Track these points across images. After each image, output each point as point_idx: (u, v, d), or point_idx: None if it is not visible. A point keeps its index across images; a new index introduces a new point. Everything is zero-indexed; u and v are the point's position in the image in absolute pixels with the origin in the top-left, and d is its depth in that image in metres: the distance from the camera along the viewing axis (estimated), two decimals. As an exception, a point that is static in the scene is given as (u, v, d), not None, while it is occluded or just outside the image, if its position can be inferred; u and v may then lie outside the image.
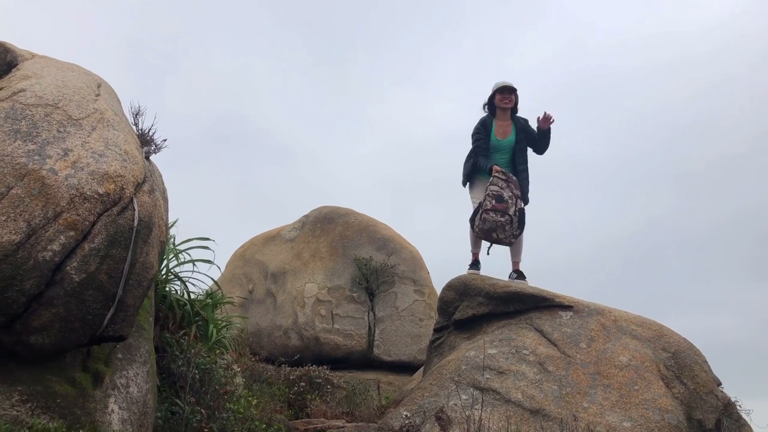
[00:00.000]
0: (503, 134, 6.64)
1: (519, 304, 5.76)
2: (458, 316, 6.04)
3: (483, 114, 6.82)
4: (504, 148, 6.61)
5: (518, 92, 6.72)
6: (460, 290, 6.17)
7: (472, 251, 6.57)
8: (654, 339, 5.32)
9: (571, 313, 5.58)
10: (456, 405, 4.83)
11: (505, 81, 6.71)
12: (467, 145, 6.78)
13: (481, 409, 4.49)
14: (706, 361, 5.21)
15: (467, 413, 4.59)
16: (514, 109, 6.73)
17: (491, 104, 6.74)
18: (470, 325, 5.97)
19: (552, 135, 6.59)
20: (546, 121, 6.50)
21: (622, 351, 5.17)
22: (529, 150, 6.72)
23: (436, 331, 6.43)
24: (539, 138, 6.61)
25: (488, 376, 5.01)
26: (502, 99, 6.63)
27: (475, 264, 6.51)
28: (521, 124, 6.66)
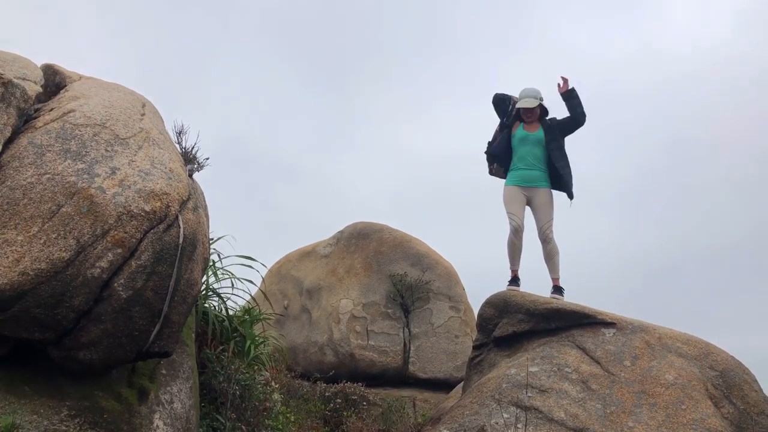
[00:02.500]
0: (531, 129, 6.65)
1: (560, 321, 5.67)
2: (498, 333, 5.97)
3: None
4: (532, 140, 6.58)
5: (543, 101, 6.67)
6: (499, 307, 6.10)
7: (510, 268, 6.51)
8: (700, 357, 5.18)
9: (614, 330, 5.47)
10: (498, 423, 4.76)
11: (527, 95, 6.66)
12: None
13: (525, 428, 4.42)
14: (756, 380, 5.05)
15: (509, 432, 4.52)
16: (544, 113, 6.73)
17: (518, 113, 6.74)
18: (510, 343, 5.89)
19: (577, 95, 6.50)
20: (564, 84, 6.51)
21: (668, 369, 5.04)
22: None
23: (475, 348, 6.36)
24: (567, 104, 6.55)
25: (530, 394, 4.93)
26: (525, 115, 6.67)
27: (515, 281, 6.44)
28: (547, 124, 6.64)
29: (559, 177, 6.49)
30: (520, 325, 5.82)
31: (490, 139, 6.96)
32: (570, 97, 6.49)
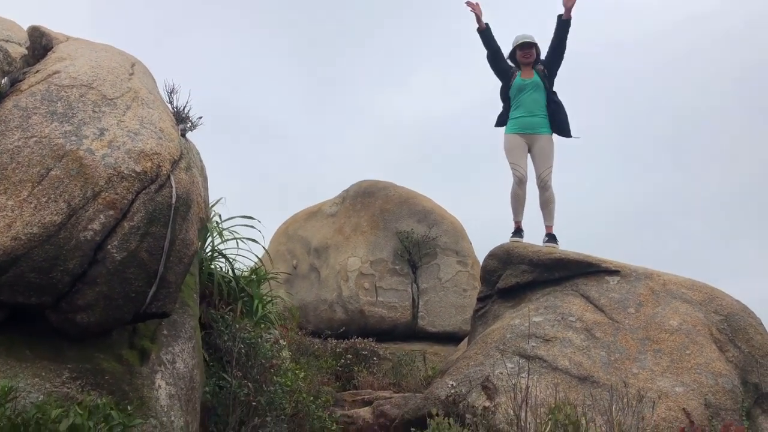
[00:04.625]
0: (528, 76, 6.59)
1: (564, 271, 5.64)
2: (502, 284, 5.96)
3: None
4: (530, 86, 6.52)
5: (538, 45, 6.63)
6: (503, 258, 6.08)
7: (514, 220, 6.47)
8: (705, 302, 5.15)
9: (618, 278, 5.44)
10: (502, 373, 4.78)
11: (525, 35, 6.62)
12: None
13: (528, 377, 4.43)
14: (761, 324, 5.03)
15: (513, 381, 4.53)
16: (536, 62, 6.65)
17: (514, 59, 6.67)
18: (514, 294, 5.88)
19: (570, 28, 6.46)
20: (567, 13, 6.39)
21: (673, 315, 5.02)
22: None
23: (479, 300, 6.37)
24: (559, 31, 6.47)
25: (534, 344, 4.94)
26: (523, 54, 6.58)
27: (518, 232, 6.41)
28: (541, 69, 6.59)
29: (558, 123, 6.49)
30: (524, 276, 5.81)
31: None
32: (567, 25, 6.42)
